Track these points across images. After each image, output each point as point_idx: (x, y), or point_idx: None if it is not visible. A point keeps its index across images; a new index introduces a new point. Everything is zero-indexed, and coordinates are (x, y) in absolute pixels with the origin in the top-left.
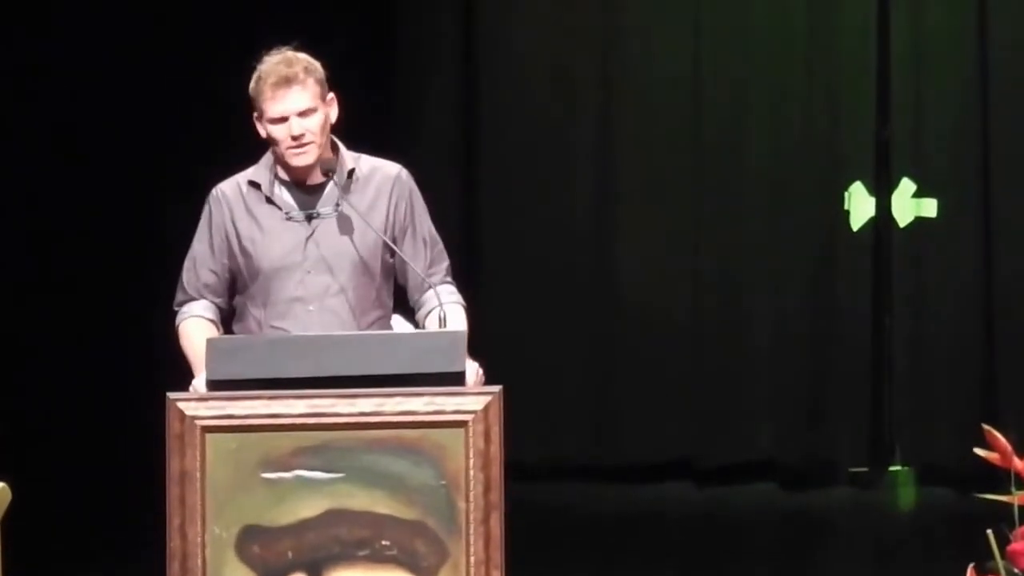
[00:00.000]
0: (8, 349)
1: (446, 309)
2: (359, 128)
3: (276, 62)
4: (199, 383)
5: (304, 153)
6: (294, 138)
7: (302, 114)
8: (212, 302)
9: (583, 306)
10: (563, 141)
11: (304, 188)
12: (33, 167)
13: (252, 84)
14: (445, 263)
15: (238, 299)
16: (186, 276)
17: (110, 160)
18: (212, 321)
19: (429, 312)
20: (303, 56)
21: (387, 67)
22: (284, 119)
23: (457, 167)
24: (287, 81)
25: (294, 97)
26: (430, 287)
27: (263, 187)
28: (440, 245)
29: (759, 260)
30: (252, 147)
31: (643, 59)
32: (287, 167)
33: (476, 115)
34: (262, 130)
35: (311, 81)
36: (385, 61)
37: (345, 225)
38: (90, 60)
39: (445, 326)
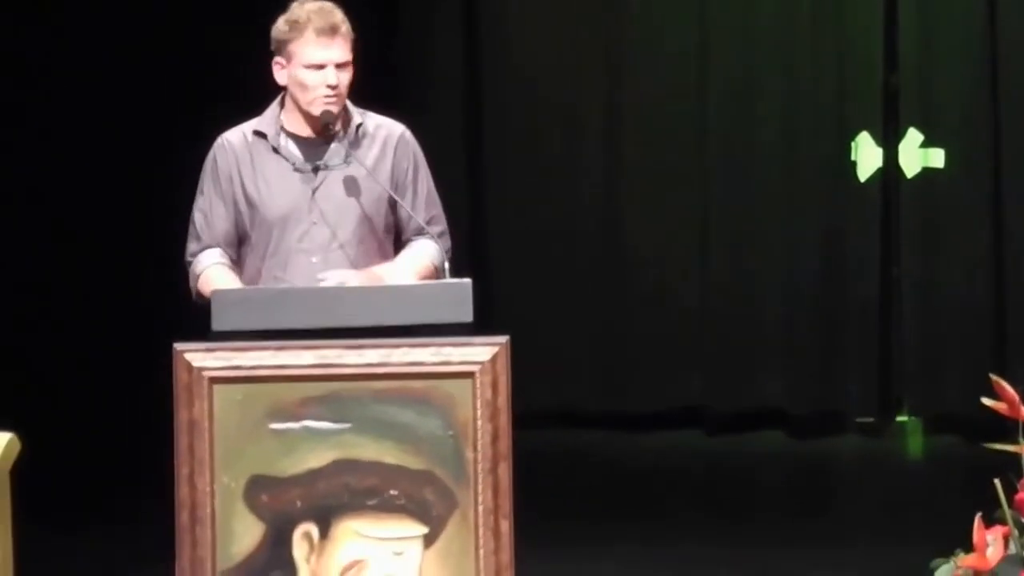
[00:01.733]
0: (18, 302)
1: (414, 244)
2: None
3: (316, 9)
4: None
5: (335, 104)
6: (331, 87)
7: (340, 66)
8: (225, 251)
9: (594, 259)
10: (571, 106)
11: (311, 140)
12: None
13: (284, 27)
14: (441, 226)
15: (241, 251)
16: (198, 225)
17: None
18: (231, 268)
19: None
20: (338, 8)
21: (391, 41)
22: (322, 67)
23: (464, 134)
24: (333, 30)
25: (337, 47)
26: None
27: (269, 137)
28: (439, 209)
29: (768, 212)
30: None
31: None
32: (307, 116)
33: (480, 86)
34: (285, 75)
35: (350, 35)
36: (389, 35)
37: (351, 179)
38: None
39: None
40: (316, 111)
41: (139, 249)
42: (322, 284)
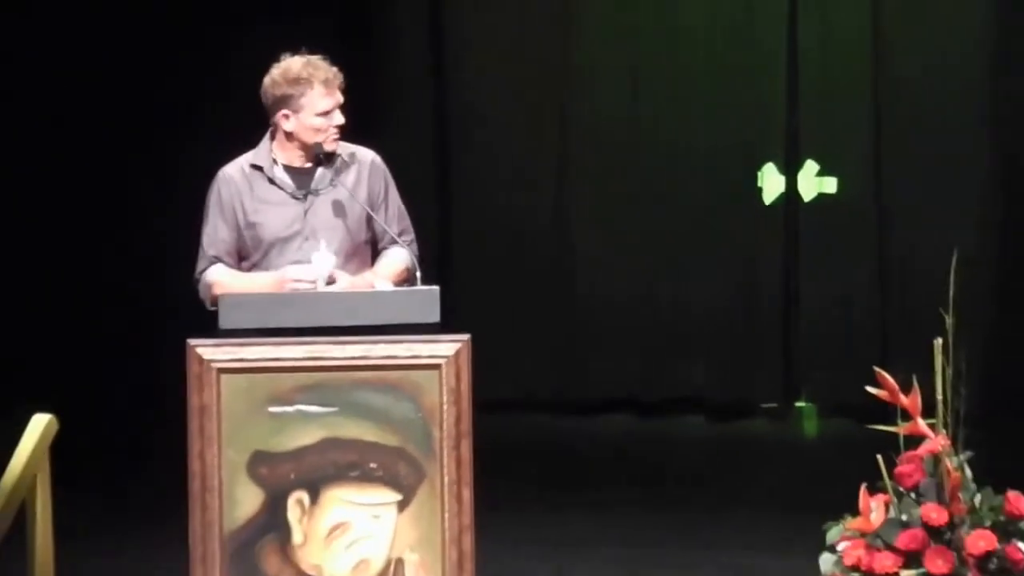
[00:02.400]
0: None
1: (387, 252)
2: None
3: (314, 65)
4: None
5: (338, 137)
6: (338, 127)
7: (341, 107)
8: (229, 264)
9: (544, 267)
10: (524, 131)
11: (300, 169)
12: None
13: (287, 86)
14: (411, 236)
15: (243, 266)
16: (206, 245)
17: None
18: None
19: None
20: (325, 59)
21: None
22: (330, 112)
23: (432, 150)
24: (332, 81)
25: (337, 94)
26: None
27: (265, 169)
28: (408, 221)
29: (691, 228)
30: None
31: (590, 81)
32: (308, 148)
33: (446, 100)
34: (294, 123)
35: (342, 81)
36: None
37: (336, 201)
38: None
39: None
40: (328, 148)
41: (160, 260)
42: (304, 277)
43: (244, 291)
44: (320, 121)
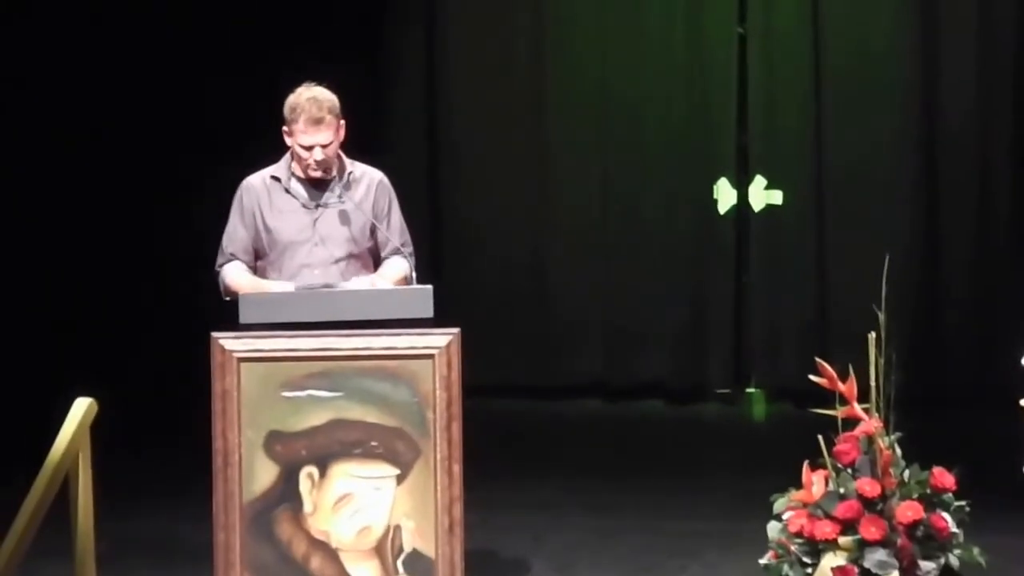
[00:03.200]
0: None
1: (389, 260)
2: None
3: (311, 100)
4: (272, 286)
5: (319, 172)
6: (317, 162)
7: (324, 146)
8: (244, 262)
9: (524, 268)
10: (506, 148)
11: (313, 183)
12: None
13: (288, 111)
14: (410, 248)
15: (259, 264)
16: (225, 243)
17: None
18: (248, 270)
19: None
20: (328, 96)
21: (370, 98)
22: (311, 148)
23: (425, 169)
24: (317, 123)
25: (321, 135)
26: (393, 255)
27: (282, 181)
28: (408, 236)
29: (653, 236)
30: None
31: (562, 88)
32: (304, 172)
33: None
34: (289, 141)
35: (333, 120)
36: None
37: (343, 212)
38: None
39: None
40: (311, 175)
41: (188, 261)
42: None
43: (254, 290)
44: (302, 152)
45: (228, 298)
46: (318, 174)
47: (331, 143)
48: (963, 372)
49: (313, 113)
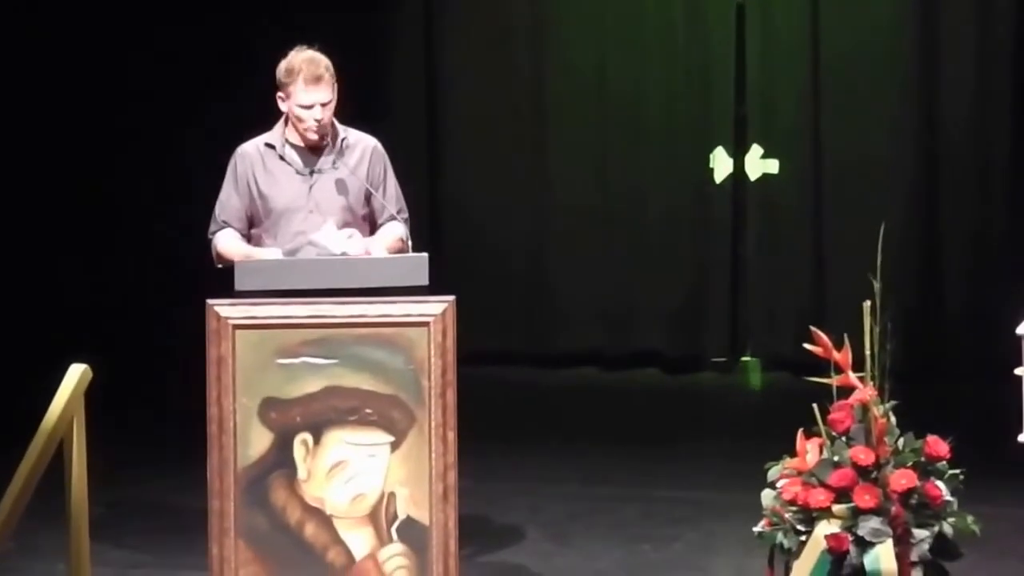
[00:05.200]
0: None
1: (385, 226)
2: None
3: (307, 60)
4: (264, 254)
5: (318, 132)
6: (317, 121)
7: (324, 104)
8: (236, 229)
9: (523, 237)
10: (503, 118)
11: (306, 151)
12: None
13: (283, 74)
14: (406, 214)
15: (254, 231)
16: (218, 211)
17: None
18: (241, 238)
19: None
20: (324, 57)
21: (370, 70)
22: (311, 106)
23: (425, 138)
24: (317, 79)
25: (321, 92)
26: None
27: (277, 148)
28: (403, 202)
29: (650, 206)
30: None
31: (562, 58)
32: (303, 136)
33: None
34: (284, 107)
35: (330, 79)
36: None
37: (339, 180)
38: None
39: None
40: (309, 138)
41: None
42: (313, 245)
43: (246, 258)
44: (301, 112)
45: (220, 265)
46: (316, 137)
47: (330, 101)
48: (960, 341)
49: (312, 71)
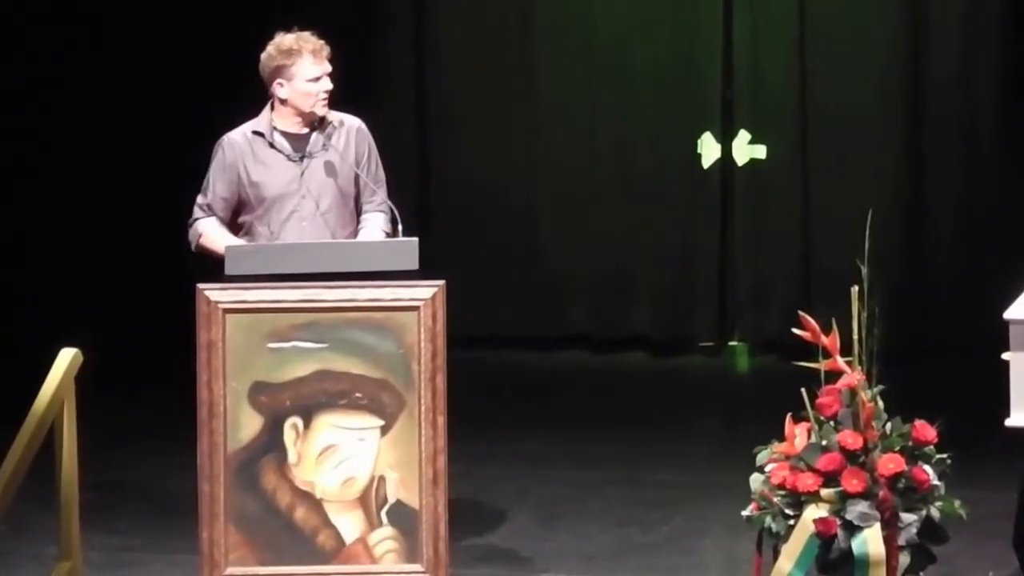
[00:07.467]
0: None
1: (369, 216)
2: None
3: (300, 38)
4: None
5: (327, 102)
6: (327, 91)
7: (329, 75)
8: (220, 218)
9: (512, 219)
10: (495, 101)
11: (296, 135)
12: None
13: (280, 57)
14: (385, 192)
15: (245, 218)
16: (201, 199)
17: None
18: (222, 226)
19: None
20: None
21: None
22: (319, 78)
23: (414, 123)
24: (321, 51)
25: (325, 63)
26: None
27: (265, 135)
28: (384, 181)
29: (639, 191)
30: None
31: (553, 33)
32: (303, 115)
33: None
34: (284, 92)
35: (329, 52)
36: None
37: (329, 163)
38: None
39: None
40: (319, 111)
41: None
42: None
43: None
44: (310, 86)
45: (197, 252)
46: (325, 110)
47: (331, 74)
48: (947, 325)
49: (312, 45)
